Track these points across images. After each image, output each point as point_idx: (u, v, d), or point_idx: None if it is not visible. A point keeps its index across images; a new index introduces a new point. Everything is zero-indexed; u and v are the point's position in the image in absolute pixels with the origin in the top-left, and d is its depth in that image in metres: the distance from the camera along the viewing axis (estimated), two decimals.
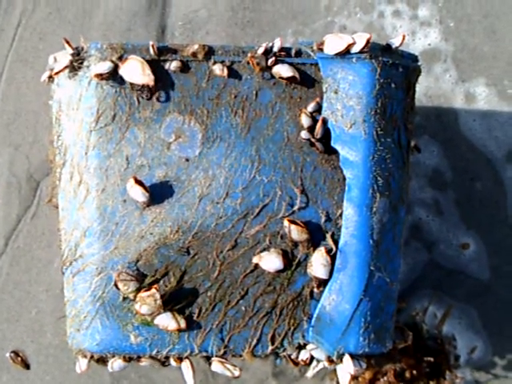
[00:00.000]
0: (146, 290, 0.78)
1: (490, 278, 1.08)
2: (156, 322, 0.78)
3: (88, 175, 0.79)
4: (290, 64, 0.80)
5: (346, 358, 0.81)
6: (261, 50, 0.79)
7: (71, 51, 0.80)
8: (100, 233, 0.79)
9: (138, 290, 0.78)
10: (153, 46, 0.78)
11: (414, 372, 1.02)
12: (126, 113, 0.79)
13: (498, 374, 1.07)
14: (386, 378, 1.01)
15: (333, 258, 0.79)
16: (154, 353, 0.80)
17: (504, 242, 1.09)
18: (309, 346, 0.81)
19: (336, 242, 0.79)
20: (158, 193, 0.79)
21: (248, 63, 0.79)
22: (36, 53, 1.08)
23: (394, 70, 0.80)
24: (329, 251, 0.79)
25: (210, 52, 0.80)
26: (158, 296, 0.77)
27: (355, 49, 0.78)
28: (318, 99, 0.80)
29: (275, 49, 0.80)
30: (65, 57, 0.80)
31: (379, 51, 0.80)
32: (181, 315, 0.79)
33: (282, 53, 0.80)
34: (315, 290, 0.80)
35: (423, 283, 1.07)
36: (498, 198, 1.09)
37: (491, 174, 1.09)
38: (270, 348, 0.80)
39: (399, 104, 0.81)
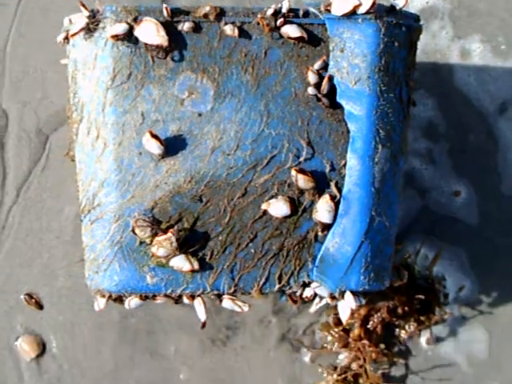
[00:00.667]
0: (163, 234, 0.83)
1: (480, 222, 1.13)
2: (171, 263, 0.84)
3: (105, 130, 0.84)
4: (298, 24, 0.84)
5: (348, 294, 0.87)
6: (270, 12, 0.84)
7: (87, 14, 0.84)
8: (117, 183, 0.84)
9: (154, 235, 0.84)
10: (166, 8, 0.83)
11: (406, 308, 1.08)
12: (141, 71, 0.84)
13: (483, 310, 1.13)
14: (379, 314, 1.07)
15: (336, 204, 0.85)
16: (168, 292, 0.85)
17: (493, 189, 1.14)
18: (313, 284, 0.87)
19: (340, 190, 0.85)
20: (172, 146, 0.84)
21: (258, 24, 0.84)
22: (44, 13, 1.11)
23: (398, 29, 0.84)
24: (333, 198, 0.85)
25: (221, 13, 0.84)
26: (173, 239, 0.83)
27: (361, 10, 0.83)
28: (324, 57, 0.84)
29: (284, 10, 0.84)
30: (80, 19, 0.84)
31: (384, 12, 0.84)
32: (194, 257, 0.85)
33: (291, 14, 0.84)
34: (319, 233, 0.85)
35: (416, 227, 1.12)
36: (490, 149, 1.14)
37: (484, 126, 1.14)
38: (277, 286, 0.86)
39: (401, 62, 0.85)
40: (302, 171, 0.84)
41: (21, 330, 1.09)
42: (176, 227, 0.84)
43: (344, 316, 0.89)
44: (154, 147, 0.83)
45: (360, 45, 0.83)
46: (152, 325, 1.10)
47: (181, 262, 0.84)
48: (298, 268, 0.86)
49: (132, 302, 0.88)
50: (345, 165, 0.85)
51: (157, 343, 1.10)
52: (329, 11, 0.84)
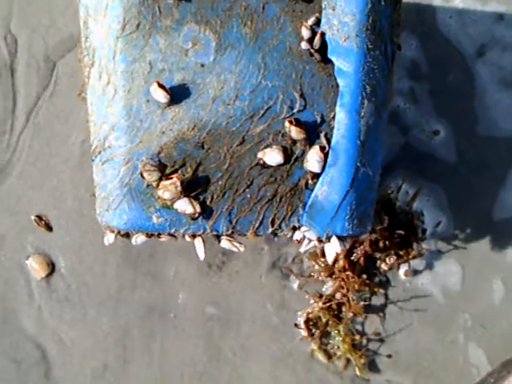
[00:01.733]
0: (168, 179, 0.90)
1: (457, 161, 1.20)
2: (175, 206, 0.91)
3: (115, 77, 0.90)
4: None
5: (334, 239, 0.95)
6: None
7: None
8: (127, 128, 0.91)
9: (160, 179, 0.91)
10: None
11: (387, 242, 1.16)
12: (149, 21, 0.89)
13: (457, 245, 1.21)
14: (362, 247, 1.15)
15: (326, 155, 0.91)
16: (172, 231, 0.93)
17: (470, 129, 1.21)
18: (302, 229, 0.95)
19: (329, 141, 0.92)
20: (177, 94, 0.90)
21: None
22: None
23: None
24: (322, 149, 0.91)
25: None
26: (178, 184, 0.90)
27: None
28: (317, 14, 0.90)
29: None
30: None
31: None
32: (196, 201, 0.92)
33: None
34: (310, 181, 0.92)
35: (398, 164, 1.19)
36: (467, 90, 1.20)
37: (463, 67, 1.20)
38: (270, 229, 0.94)
39: (387, 19, 0.91)
40: (294, 123, 0.90)
41: (31, 250, 1.16)
42: (180, 172, 0.91)
43: (330, 258, 0.97)
44: (161, 96, 0.89)
45: (350, 4, 0.88)
46: (153, 249, 1.18)
47: (184, 205, 0.91)
48: (289, 213, 0.94)
49: (138, 238, 0.95)
50: (334, 117, 0.91)
51: (157, 266, 1.18)
52: None
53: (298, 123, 0.91)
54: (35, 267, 1.17)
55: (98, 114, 0.93)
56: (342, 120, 0.91)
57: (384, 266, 1.20)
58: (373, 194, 0.96)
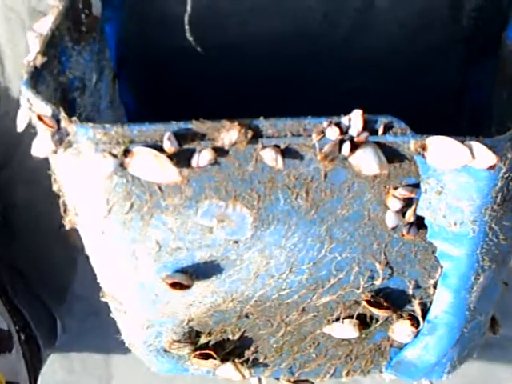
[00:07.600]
0: (203, 357, 0.68)
1: None
2: (217, 373, 0.70)
3: (111, 252, 0.62)
4: (375, 144, 0.53)
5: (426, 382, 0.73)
6: (332, 134, 0.52)
7: (51, 131, 0.53)
8: (142, 300, 0.66)
9: (193, 351, 0.69)
10: (169, 138, 0.52)
11: None
12: (147, 201, 0.57)
13: None
14: None
15: (418, 325, 0.66)
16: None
17: None
18: (386, 374, 0.73)
19: (424, 311, 0.65)
20: (202, 271, 0.62)
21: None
22: None
23: None
24: (415, 323, 0.65)
25: (256, 135, 0.53)
26: (217, 362, 0.68)
27: (474, 164, 0.51)
28: (409, 177, 0.55)
29: (353, 132, 0.52)
30: (44, 135, 0.54)
31: (507, 148, 0.52)
32: (244, 365, 0.70)
33: (364, 134, 0.53)
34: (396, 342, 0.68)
35: None
36: None
37: None
38: (344, 379, 0.73)
39: None
40: (374, 304, 0.63)
41: None
42: (220, 337, 0.68)
43: None
44: (178, 286, 0.62)
45: (468, 188, 0.53)
46: None
47: (229, 373, 0.70)
48: (368, 368, 0.72)
49: None
50: (433, 285, 0.63)
51: None
52: (422, 155, 0.52)
53: (380, 304, 0.63)
54: None
55: (97, 262, 0.66)
56: (444, 299, 0.63)
57: None
58: (482, 335, 0.71)
